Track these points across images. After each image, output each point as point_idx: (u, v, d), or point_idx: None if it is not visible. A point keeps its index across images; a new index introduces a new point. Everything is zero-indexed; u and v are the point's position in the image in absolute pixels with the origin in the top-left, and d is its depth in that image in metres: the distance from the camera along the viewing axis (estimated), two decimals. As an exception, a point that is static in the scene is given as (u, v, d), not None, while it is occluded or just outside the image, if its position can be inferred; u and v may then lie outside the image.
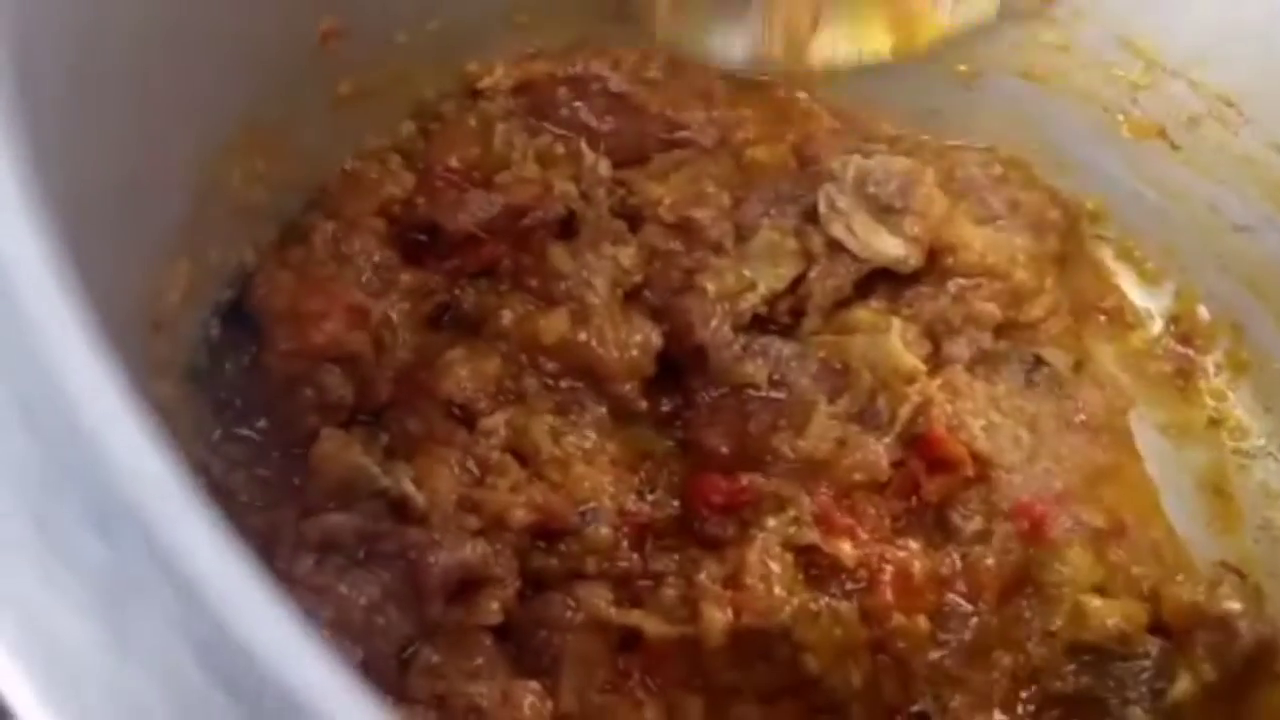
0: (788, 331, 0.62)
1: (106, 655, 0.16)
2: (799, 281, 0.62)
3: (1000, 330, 0.62)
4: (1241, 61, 0.60)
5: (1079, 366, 0.65)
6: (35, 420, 0.19)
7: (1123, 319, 0.69)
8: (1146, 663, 0.54)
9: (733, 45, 0.67)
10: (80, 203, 0.38)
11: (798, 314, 0.62)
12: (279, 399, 0.56)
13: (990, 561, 0.57)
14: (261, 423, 0.56)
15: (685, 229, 0.60)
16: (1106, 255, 0.69)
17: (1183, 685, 0.52)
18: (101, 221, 0.41)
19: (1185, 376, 0.67)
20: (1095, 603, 0.56)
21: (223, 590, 0.17)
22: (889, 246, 0.62)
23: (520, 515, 0.52)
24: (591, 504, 0.54)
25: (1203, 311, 0.68)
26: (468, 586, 0.51)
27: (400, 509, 0.52)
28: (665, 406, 0.60)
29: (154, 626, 0.16)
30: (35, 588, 0.16)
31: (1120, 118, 0.65)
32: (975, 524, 0.58)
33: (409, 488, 0.52)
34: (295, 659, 0.16)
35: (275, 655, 0.16)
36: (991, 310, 0.62)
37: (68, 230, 0.36)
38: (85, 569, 0.17)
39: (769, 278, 0.62)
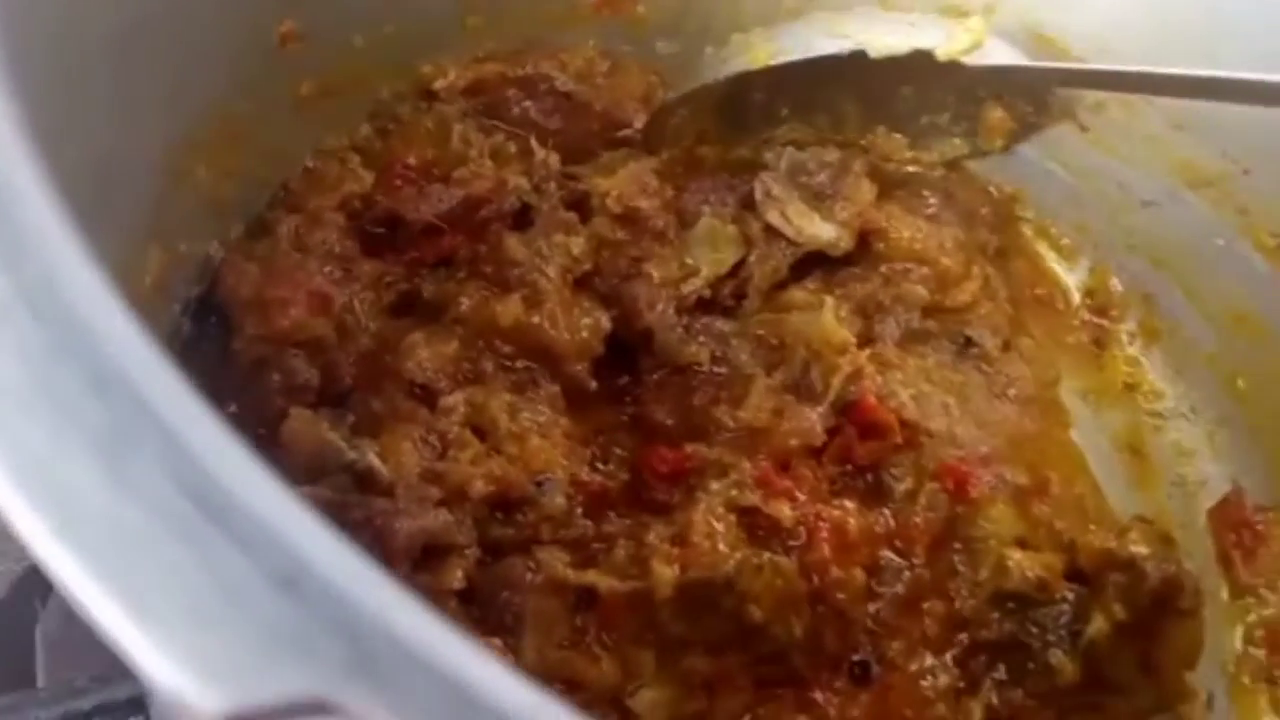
0: (730, 312, 0.66)
1: (106, 493, 0.19)
2: (740, 265, 0.66)
3: (929, 311, 0.66)
4: (1140, 48, 0.64)
5: (1007, 346, 0.68)
6: (39, 308, 0.22)
7: (1054, 304, 0.72)
8: (1065, 607, 0.57)
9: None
10: (57, 181, 0.41)
11: (739, 296, 0.66)
12: (247, 384, 0.58)
13: (919, 519, 0.61)
14: (231, 408, 0.59)
15: (631, 219, 0.63)
16: (1038, 241, 0.73)
17: (1097, 625, 0.56)
18: (76, 201, 0.44)
19: (1101, 345, 0.71)
20: (1016, 555, 0.59)
21: (200, 437, 0.20)
22: (821, 230, 0.65)
23: (480, 486, 0.55)
24: (546, 475, 0.56)
25: (1115, 284, 0.71)
26: (431, 554, 0.54)
27: (366, 481, 0.55)
28: (615, 384, 0.63)
29: (145, 468, 0.19)
30: (45, 443, 0.19)
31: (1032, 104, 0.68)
32: (906, 485, 0.62)
33: (374, 460, 0.55)
34: (257, 489, 0.19)
35: (242, 485, 0.19)
36: (920, 292, 0.65)
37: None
38: (87, 426, 0.20)
39: (711, 263, 0.65)
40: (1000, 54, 0.64)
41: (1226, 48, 0.60)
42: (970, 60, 0.63)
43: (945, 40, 0.63)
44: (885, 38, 0.64)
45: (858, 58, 0.64)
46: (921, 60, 0.64)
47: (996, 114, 0.69)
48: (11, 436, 0.20)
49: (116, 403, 0.21)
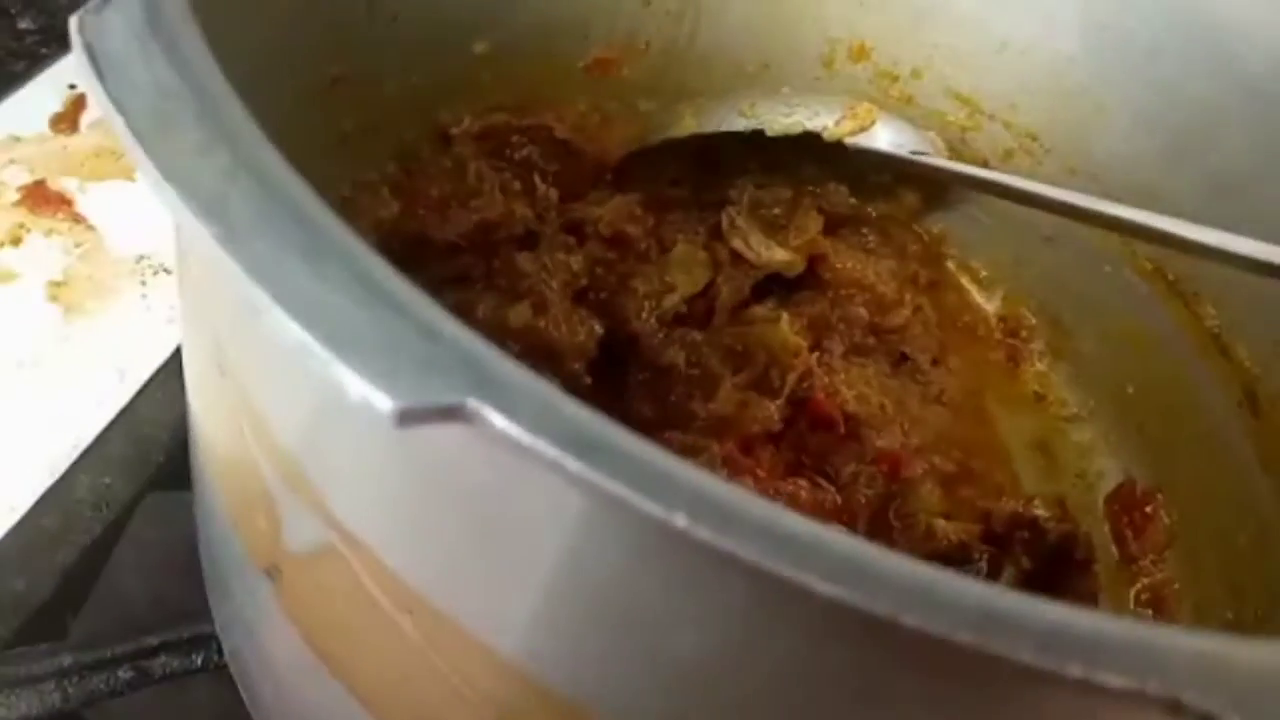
0: (702, 326, 0.75)
1: (312, 282, 0.28)
2: (710, 286, 0.76)
3: (869, 330, 0.76)
4: (1040, 107, 0.75)
5: (937, 362, 0.78)
6: (252, 169, 0.31)
7: (976, 330, 0.83)
8: (981, 564, 0.66)
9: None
10: None
11: (709, 312, 0.76)
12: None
13: (860, 496, 0.70)
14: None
15: (619, 242, 0.73)
16: (960, 274, 0.83)
17: (1008, 576, 0.65)
18: None
19: (1016, 361, 0.81)
20: (942, 523, 0.68)
21: (363, 252, 0.29)
22: (777, 254, 0.75)
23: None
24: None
25: (1025, 312, 0.82)
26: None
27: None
28: (607, 382, 0.72)
29: (336, 268, 0.29)
30: (269, 251, 0.29)
31: (953, 155, 0.79)
32: (849, 469, 0.71)
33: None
34: (402, 282, 0.29)
35: (391, 281, 0.29)
36: (862, 313, 0.75)
37: None
38: (296, 243, 0.29)
39: (685, 283, 0.75)
40: (888, 137, 0.73)
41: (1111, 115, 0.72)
42: (854, 142, 0.72)
43: (833, 124, 0.73)
44: (784, 119, 0.73)
45: (759, 135, 0.74)
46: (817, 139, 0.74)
47: (909, 196, 0.80)
48: (248, 249, 0.28)
49: (312, 229, 0.30)
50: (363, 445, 0.36)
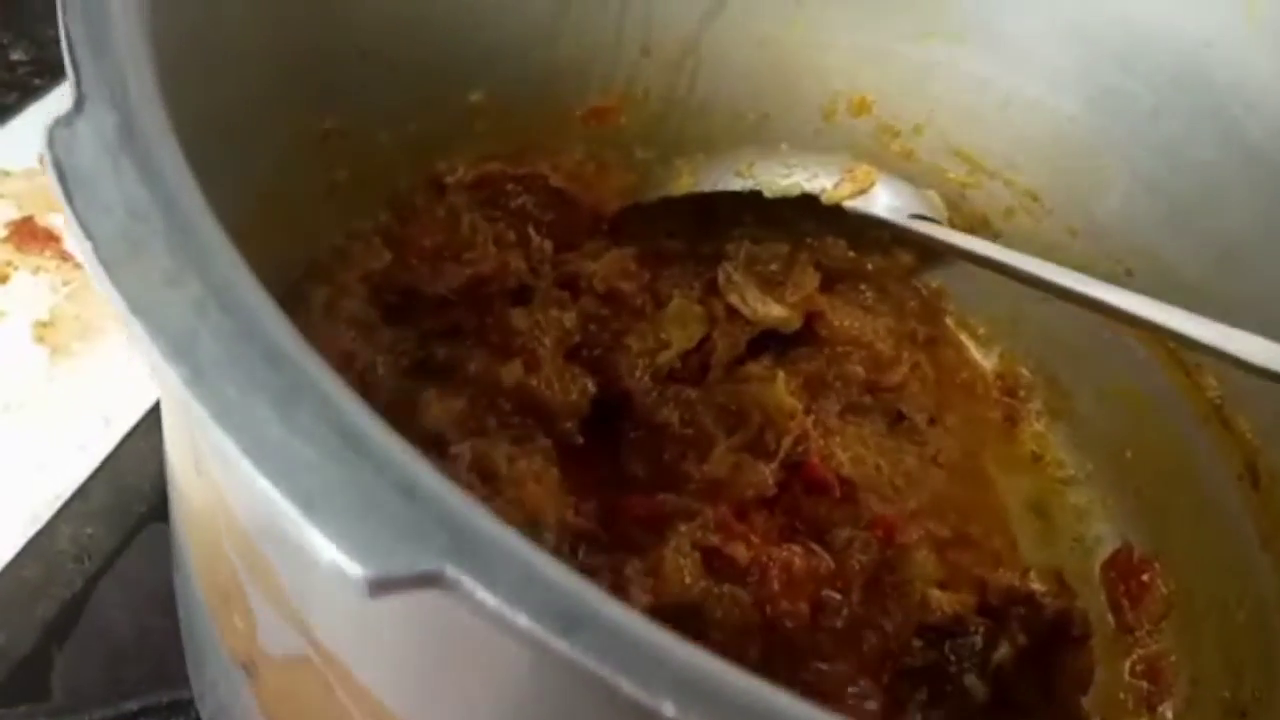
0: (697, 382, 0.73)
1: (283, 431, 0.26)
2: (705, 341, 0.74)
3: (866, 388, 0.74)
4: (1041, 166, 0.74)
5: (934, 421, 0.77)
6: (224, 302, 0.29)
7: (974, 388, 0.81)
8: (977, 637, 0.65)
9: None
10: None
11: (704, 368, 0.74)
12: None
13: (854, 562, 0.68)
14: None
15: (613, 298, 0.71)
16: (959, 331, 0.81)
17: (1003, 651, 0.63)
18: None
19: (1013, 421, 0.79)
20: (937, 593, 0.67)
21: (343, 396, 0.28)
22: (774, 311, 0.74)
23: (482, 523, 0.62)
24: (539, 517, 0.63)
25: (1023, 371, 0.80)
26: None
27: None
28: (599, 441, 0.70)
29: (308, 415, 0.27)
30: (238, 396, 0.27)
31: (952, 212, 0.77)
32: (844, 533, 0.69)
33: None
34: (380, 430, 0.27)
35: (370, 427, 0.27)
36: (858, 371, 0.73)
37: None
38: (267, 386, 0.27)
39: (680, 338, 0.73)
40: (887, 200, 0.71)
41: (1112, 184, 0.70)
42: (853, 206, 0.70)
43: (831, 186, 0.71)
44: (783, 180, 0.71)
45: (756, 195, 0.72)
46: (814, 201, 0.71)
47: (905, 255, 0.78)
48: (217, 394, 0.27)
49: (285, 371, 0.28)
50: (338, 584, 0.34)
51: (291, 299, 0.68)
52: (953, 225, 0.76)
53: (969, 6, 0.70)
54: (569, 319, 0.69)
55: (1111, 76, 0.67)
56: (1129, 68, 0.67)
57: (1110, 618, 0.72)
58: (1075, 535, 0.76)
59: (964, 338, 0.82)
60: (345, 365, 0.65)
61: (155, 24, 0.44)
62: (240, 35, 0.56)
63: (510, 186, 0.76)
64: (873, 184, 0.69)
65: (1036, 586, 0.66)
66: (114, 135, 0.32)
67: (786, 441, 0.69)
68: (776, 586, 0.66)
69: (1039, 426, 0.79)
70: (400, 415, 0.67)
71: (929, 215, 0.72)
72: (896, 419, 0.75)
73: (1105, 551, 0.75)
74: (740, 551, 0.66)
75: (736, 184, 0.71)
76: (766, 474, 0.68)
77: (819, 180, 0.70)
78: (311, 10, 0.59)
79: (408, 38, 0.65)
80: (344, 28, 0.61)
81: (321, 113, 0.64)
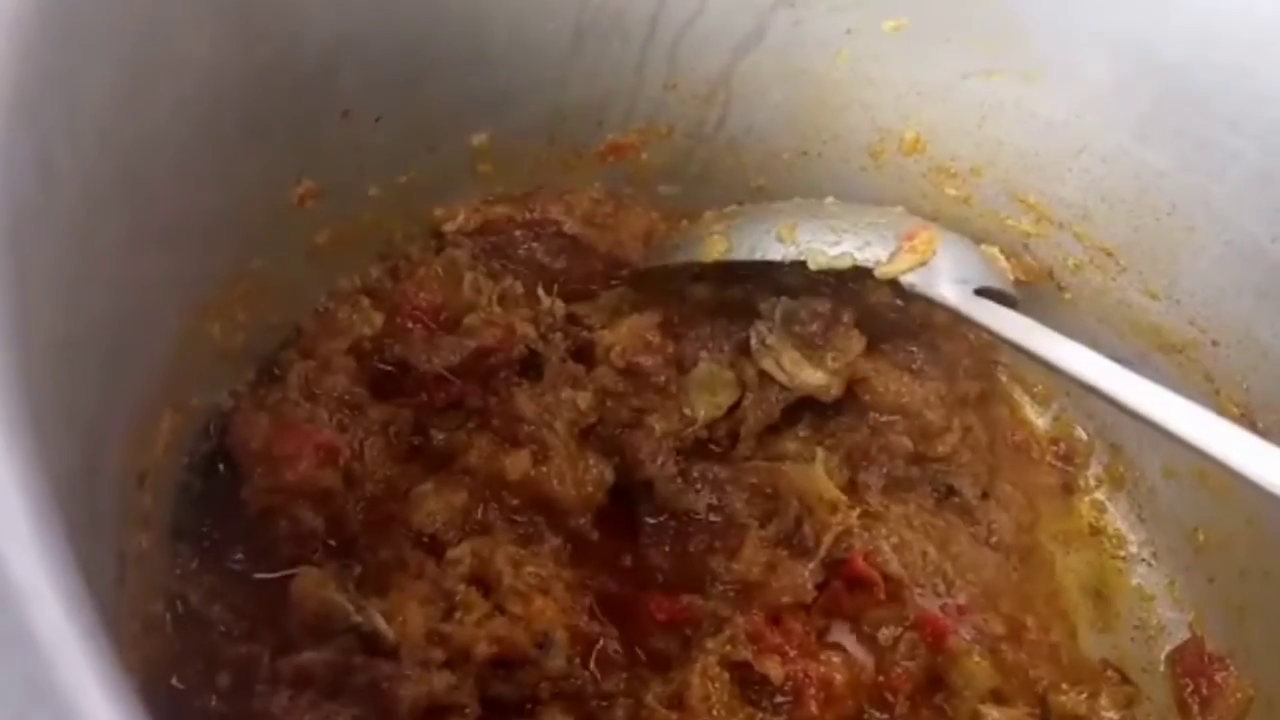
0: (725, 456, 0.62)
1: None
2: (734, 408, 0.63)
3: (912, 459, 0.63)
4: (1119, 220, 0.62)
5: (986, 495, 0.65)
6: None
7: (1029, 450, 0.70)
8: (1038, 765, 0.55)
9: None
10: (70, 362, 0.37)
11: (734, 437, 0.63)
12: (255, 530, 0.54)
13: (900, 669, 0.58)
14: (239, 554, 0.55)
15: (633, 373, 0.60)
16: (1013, 387, 0.70)
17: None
18: (89, 379, 0.40)
19: (1069, 490, 0.68)
20: (993, 713, 0.56)
21: None
22: (813, 378, 0.62)
23: (483, 648, 0.51)
24: (548, 635, 0.53)
25: (1080, 432, 0.69)
26: (433, 714, 0.50)
27: (372, 641, 0.51)
28: (615, 531, 0.60)
29: None
30: None
31: (1013, 261, 0.65)
32: (889, 633, 0.59)
33: (380, 624, 0.51)
34: None
35: None
36: (904, 443, 0.62)
37: (61, 386, 0.35)
38: None
39: (708, 406, 0.62)
40: (949, 267, 0.59)
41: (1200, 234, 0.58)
42: (911, 286, 0.58)
43: (886, 257, 0.58)
44: (831, 249, 0.59)
45: (798, 266, 0.60)
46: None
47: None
48: None
49: None
50: None
51: (267, 378, 0.57)
52: (1014, 278, 0.64)
53: (1043, 44, 0.57)
54: (583, 399, 0.58)
55: (1213, 132, 0.55)
56: (1236, 125, 0.54)
57: (1177, 717, 0.61)
58: (1138, 621, 0.65)
59: (1018, 393, 0.70)
60: (327, 461, 0.54)
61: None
62: (206, 104, 0.44)
63: (517, 233, 0.64)
64: (933, 253, 0.57)
65: (1107, 715, 0.55)
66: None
67: (828, 539, 0.58)
68: (814, 708, 0.56)
69: (1099, 496, 0.68)
70: (392, 511, 0.56)
71: (995, 284, 0.60)
72: (945, 494, 0.64)
73: (1170, 641, 0.64)
74: (774, 667, 0.56)
75: (777, 251, 0.59)
76: (805, 577, 0.58)
77: (872, 249, 0.58)
78: (287, 75, 0.47)
79: (398, 92, 0.53)
80: (324, 89, 0.49)
81: (298, 177, 0.52)
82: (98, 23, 0.37)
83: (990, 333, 0.56)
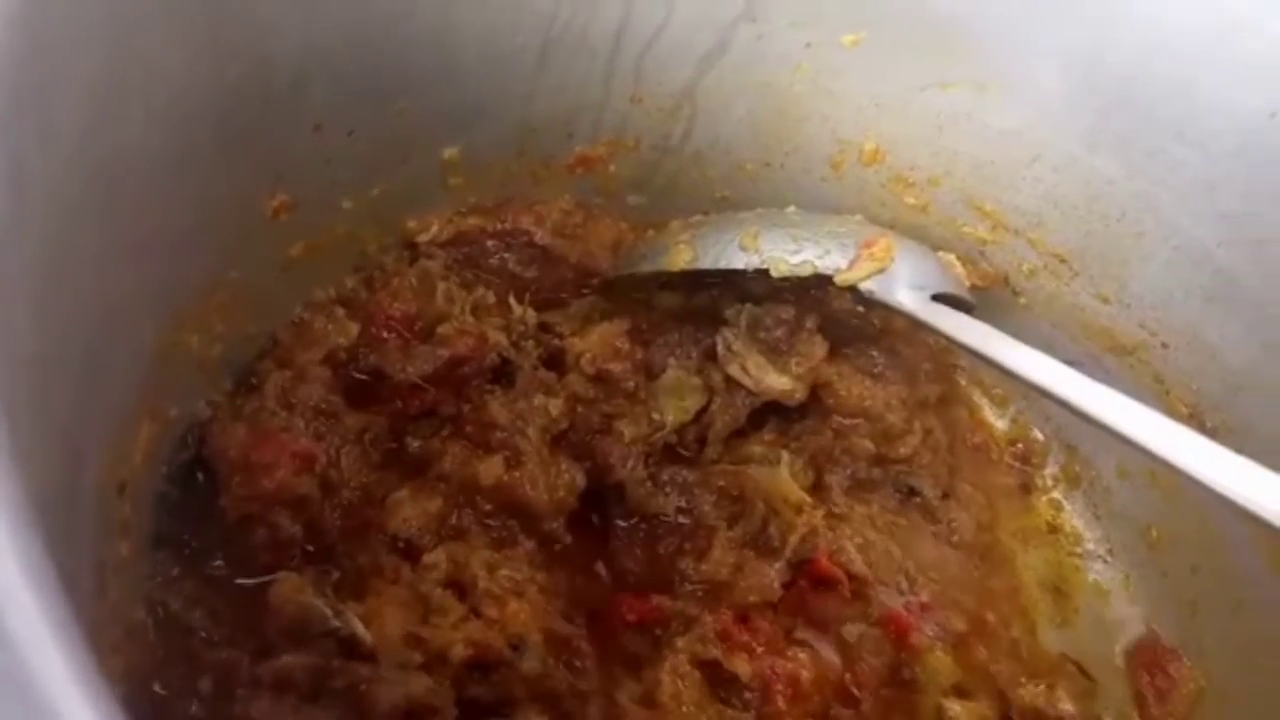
0: (693, 460, 0.63)
1: None
2: (702, 413, 0.63)
3: (875, 461, 0.64)
4: (1071, 227, 0.63)
5: (947, 494, 0.66)
6: None
7: (988, 451, 0.70)
8: (1000, 761, 0.56)
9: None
10: (45, 374, 0.37)
11: (701, 441, 0.63)
12: (234, 538, 0.54)
13: (865, 665, 0.59)
14: (218, 561, 0.55)
15: (603, 379, 0.60)
16: (971, 390, 0.71)
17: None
18: (65, 391, 0.40)
19: (1027, 490, 0.69)
20: (955, 706, 0.57)
21: None
22: (777, 383, 0.63)
23: (459, 650, 0.51)
24: (523, 638, 0.53)
25: (1038, 435, 0.70)
26: (411, 716, 0.51)
27: (349, 645, 0.51)
28: (587, 534, 0.60)
29: None
30: None
31: (969, 267, 0.66)
32: (854, 630, 0.60)
33: (358, 628, 0.51)
34: None
35: None
36: (866, 445, 0.63)
37: (37, 399, 0.35)
38: None
39: (676, 411, 0.63)
40: (907, 274, 0.60)
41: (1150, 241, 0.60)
42: (870, 292, 0.59)
43: (846, 265, 0.59)
44: (792, 256, 0.60)
45: (762, 274, 0.61)
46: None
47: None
48: None
49: None
50: None
51: (244, 388, 0.57)
52: (970, 284, 0.65)
53: (997, 56, 0.59)
54: (554, 406, 0.58)
55: (1159, 140, 0.56)
56: (1181, 134, 0.55)
57: (1135, 713, 0.62)
58: (1095, 616, 0.66)
59: (977, 396, 0.71)
60: (304, 469, 0.54)
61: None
62: (178, 120, 0.44)
63: (489, 243, 0.65)
64: (892, 260, 0.58)
65: (1064, 707, 0.56)
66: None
67: (794, 539, 0.59)
68: (781, 703, 0.56)
69: (1055, 495, 0.69)
70: (368, 517, 0.56)
71: (951, 290, 0.61)
72: (907, 494, 0.65)
73: (1128, 635, 0.66)
74: (742, 665, 0.56)
75: (741, 259, 0.60)
76: (772, 576, 0.58)
77: (832, 257, 0.59)
78: (258, 90, 0.47)
79: (369, 107, 0.53)
80: (295, 104, 0.50)
81: (271, 191, 0.53)
82: (67, 40, 0.37)
83: (947, 338, 0.57)
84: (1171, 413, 0.62)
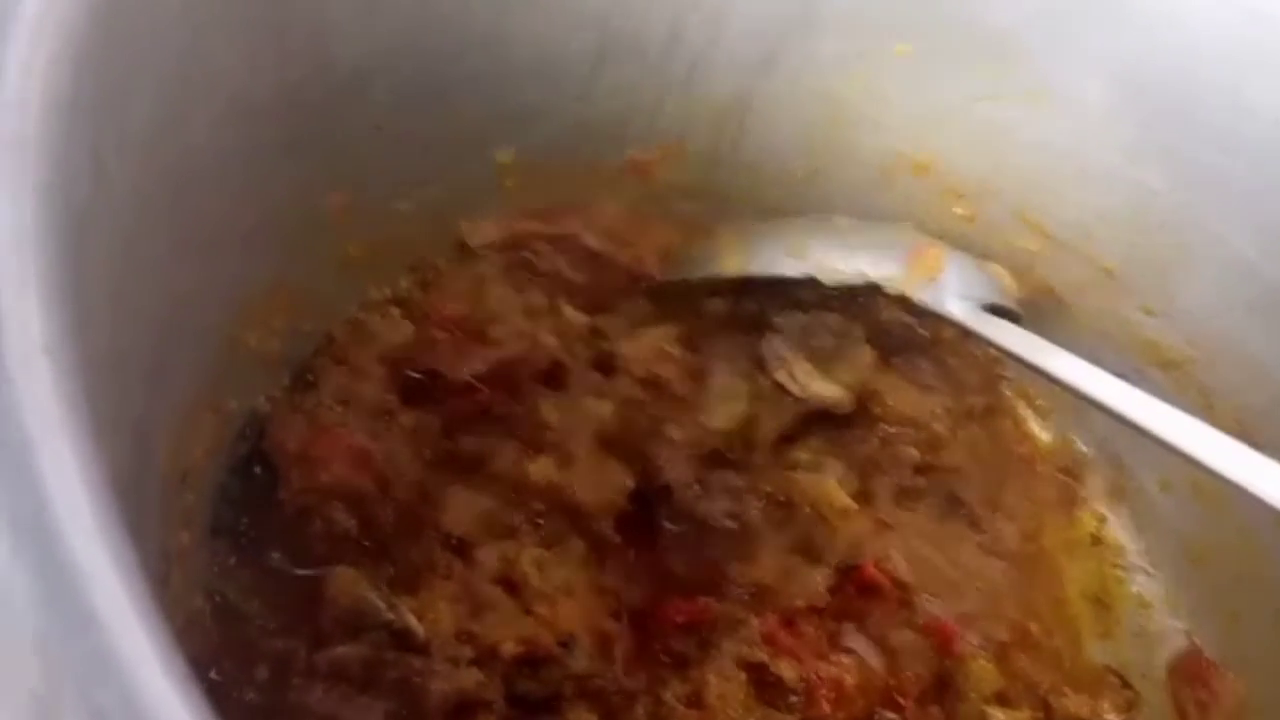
0: (740, 465, 0.63)
1: None
2: (749, 419, 0.63)
3: (920, 469, 0.63)
4: (1117, 239, 0.62)
5: (992, 504, 0.66)
6: None
7: (1033, 462, 0.70)
8: (1044, 768, 0.55)
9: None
10: (121, 365, 0.37)
11: (749, 447, 0.63)
12: (291, 530, 0.55)
13: (909, 673, 0.58)
14: (275, 552, 0.55)
15: (653, 383, 0.60)
16: (1016, 401, 0.70)
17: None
18: (138, 382, 0.40)
19: (1071, 501, 0.69)
20: (998, 715, 0.57)
21: None
22: (825, 390, 0.63)
23: (510, 646, 0.51)
24: (572, 636, 0.53)
25: (1082, 447, 0.69)
26: (462, 710, 0.51)
27: (403, 638, 0.51)
28: (635, 536, 0.60)
29: None
30: None
31: (1017, 278, 0.65)
32: (898, 637, 0.59)
33: (412, 621, 0.51)
34: None
35: None
36: (912, 453, 0.63)
37: (112, 389, 0.35)
38: None
39: (723, 417, 0.62)
40: (955, 284, 0.60)
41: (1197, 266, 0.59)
42: (922, 301, 0.59)
43: (897, 272, 0.59)
44: (842, 265, 0.60)
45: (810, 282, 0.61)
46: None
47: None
48: None
49: None
50: None
51: (302, 383, 0.57)
52: (1018, 295, 0.64)
53: (1046, 68, 0.58)
54: (605, 408, 0.58)
55: (1202, 151, 0.55)
56: (1224, 144, 0.55)
57: (1176, 725, 0.62)
58: (1137, 629, 0.66)
59: (1022, 408, 0.71)
60: (361, 465, 0.54)
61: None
62: (242, 120, 0.44)
63: (541, 246, 0.64)
64: (941, 270, 0.58)
65: (1108, 718, 0.56)
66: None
67: (840, 545, 0.58)
68: (826, 707, 0.56)
69: (1099, 507, 0.69)
70: (422, 513, 0.56)
71: (1001, 301, 0.60)
72: (952, 503, 0.65)
73: (1169, 647, 0.65)
74: (788, 668, 0.56)
75: (791, 267, 0.60)
76: (818, 582, 0.58)
77: (884, 266, 0.59)
78: (319, 91, 0.47)
79: (427, 108, 0.54)
80: (355, 105, 0.50)
81: (331, 190, 0.53)
82: (143, 39, 0.37)
83: (997, 348, 0.57)
84: (1218, 426, 0.61)
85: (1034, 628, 0.62)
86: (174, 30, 0.39)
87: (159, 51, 0.38)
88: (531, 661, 0.53)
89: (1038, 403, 0.70)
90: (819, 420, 0.64)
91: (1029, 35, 0.57)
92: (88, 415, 0.30)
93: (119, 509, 0.29)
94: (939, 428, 0.64)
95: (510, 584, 0.54)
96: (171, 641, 0.26)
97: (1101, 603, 0.66)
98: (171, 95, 0.39)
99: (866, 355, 0.62)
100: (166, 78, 0.39)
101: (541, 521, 0.57)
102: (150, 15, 0.37)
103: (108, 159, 0.35)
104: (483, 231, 0.63)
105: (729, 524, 0.61)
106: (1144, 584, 0.66)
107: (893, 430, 0.64)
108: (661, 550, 0.60)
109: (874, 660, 0.59)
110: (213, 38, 0.41)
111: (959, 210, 0.65)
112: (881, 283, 0.58)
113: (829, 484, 0.60)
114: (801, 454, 0.62)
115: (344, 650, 0.50)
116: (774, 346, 0.63)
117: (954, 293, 0.58)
